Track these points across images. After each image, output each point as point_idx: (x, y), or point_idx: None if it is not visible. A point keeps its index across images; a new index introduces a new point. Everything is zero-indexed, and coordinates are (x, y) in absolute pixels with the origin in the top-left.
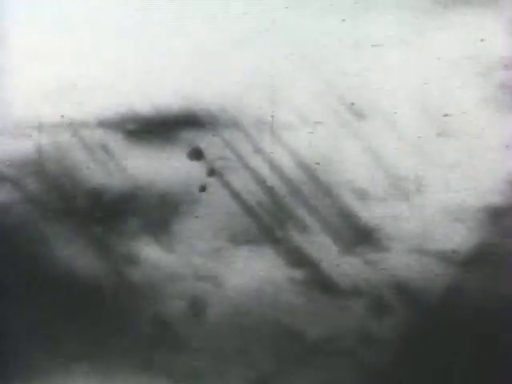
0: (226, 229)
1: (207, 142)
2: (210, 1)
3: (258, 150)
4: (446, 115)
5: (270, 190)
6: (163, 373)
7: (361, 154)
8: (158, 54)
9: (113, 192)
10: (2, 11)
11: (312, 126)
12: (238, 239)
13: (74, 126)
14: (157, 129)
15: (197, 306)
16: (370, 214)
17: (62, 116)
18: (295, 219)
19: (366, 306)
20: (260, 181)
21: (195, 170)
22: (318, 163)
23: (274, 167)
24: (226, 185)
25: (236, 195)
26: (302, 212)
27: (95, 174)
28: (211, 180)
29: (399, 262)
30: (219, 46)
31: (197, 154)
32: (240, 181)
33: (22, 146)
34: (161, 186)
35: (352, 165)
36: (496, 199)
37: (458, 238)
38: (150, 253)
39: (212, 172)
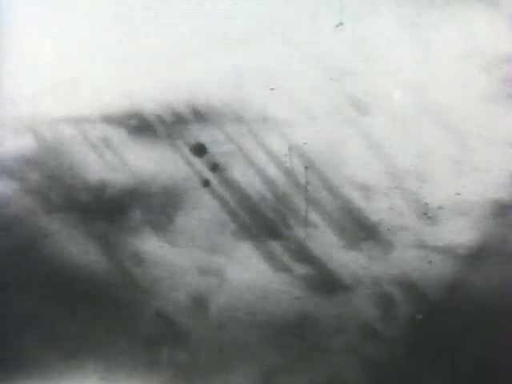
0: (229, 224)
1: (210, 136)
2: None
3: (261, 145)
4: (448, 110)
5: (272, 185)
6: (166, 368)
7: (363, 148)
8: (160, 50)
9: (115, 187)
10: (3, 8)
11: (314, 121)
12: (241, 234)
13: (76, 121)
14: (160, 124)
15: (200, 301)
16: (372, 208)
17: (65, 111)
18: (298, 214)
19: (370, 301)
20: (263, 176)
21: (198, 165)
22: (320, 158)
23: (277, 162)
24: (229, 180)
25: (239, 190)
26: (304, 207)
27: (98, 169)
28: (214, 175)
29: (402, 257)
30: (222, 41)
31: (200, 149)
32: (243, 176)
33: (24, 141)
34: (164, 181)
35: (355, 160)
36: (500, 194)
37: (462, 232)
38: (153, 247)
39: (215, 167)
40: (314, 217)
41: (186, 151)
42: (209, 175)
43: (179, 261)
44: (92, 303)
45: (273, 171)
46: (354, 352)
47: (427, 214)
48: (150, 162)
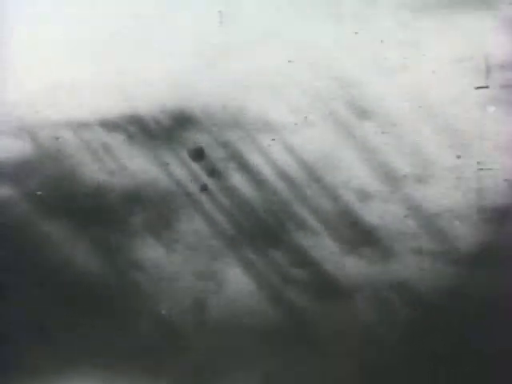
0: (227, 228)
1: (209, 141)
2: (215, 2)
3: (260, 150)
4: (445, 115)
5: (271, 191)
6: (165, 372)
7: (361, 153)
8: (159, 55)
9: (114, 192)
10: (3, 12)
11: (313, 126)
12: (239, 239)
13: (75, 126)
14: (158, 129)
15: (199, 306)
16: (370, 214)
17: (64, 116)
18: (296, 219)
19: (368, 306)
20: (261, 181)
21: (197, 170)
22: (318, 163)
23: (275, 167)
24: (227, 185)
25: (237, 195)
26: (303, 212)
27: (97, 173)
28: (212, 180)
29: (400, 262)
30: (222, 47)
31: (198, 154)
32: (241, 181)
33: (24, 146)
34: (162, 186)
35: (353, 165)
36: (497, 199)
37: (459, 237)
38: (152, 252)
39: (213, 172)
40: (312, 222)
41: (185, 156)
42: (207, 180)
43: (178, 266)
44: (91, 308)
45: (271, 176)
46: (353, 356)
47: (425, 219)
48: (148, 167)
